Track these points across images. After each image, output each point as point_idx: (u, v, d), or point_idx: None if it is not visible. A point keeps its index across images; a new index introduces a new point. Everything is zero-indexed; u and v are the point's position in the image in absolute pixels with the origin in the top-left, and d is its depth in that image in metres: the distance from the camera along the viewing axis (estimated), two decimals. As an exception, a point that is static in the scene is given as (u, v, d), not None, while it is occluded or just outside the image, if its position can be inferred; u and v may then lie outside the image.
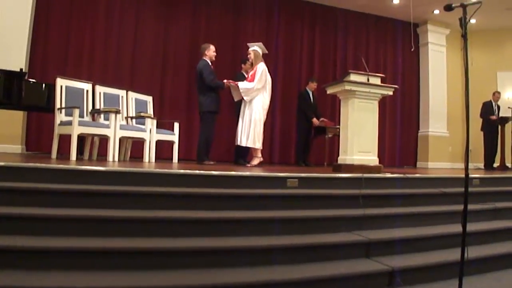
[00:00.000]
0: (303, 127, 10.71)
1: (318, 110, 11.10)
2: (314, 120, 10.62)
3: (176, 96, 11.64)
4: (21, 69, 8.39)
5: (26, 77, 7.86)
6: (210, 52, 8.69)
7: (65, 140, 7.48)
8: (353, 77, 6.80)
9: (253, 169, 6.57)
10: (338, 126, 8.76)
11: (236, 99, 8.72)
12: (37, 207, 4.00)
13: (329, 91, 7.30)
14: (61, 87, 7.50)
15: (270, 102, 10.46)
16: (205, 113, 8.47)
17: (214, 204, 4.49)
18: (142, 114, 8.27)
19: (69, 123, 7.05)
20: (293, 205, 4.78)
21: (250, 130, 8.29)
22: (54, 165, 4.68)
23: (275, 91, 12.16)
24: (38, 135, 10.67)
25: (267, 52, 8.93)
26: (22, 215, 3.77)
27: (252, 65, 8.71)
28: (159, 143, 8.28)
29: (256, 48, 8.71)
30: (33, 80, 7.99)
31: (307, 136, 10.79)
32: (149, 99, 9.03)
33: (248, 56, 8.76)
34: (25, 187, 4.16)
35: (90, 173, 4.67)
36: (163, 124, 8.83)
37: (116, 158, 7.40)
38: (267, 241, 4.00)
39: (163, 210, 4.24)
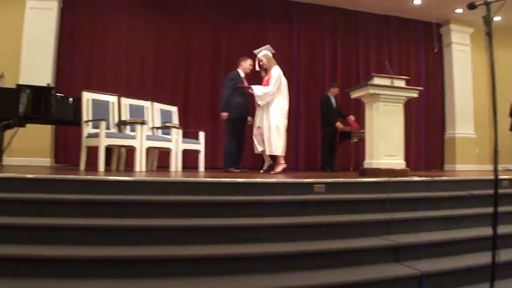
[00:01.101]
0: (328, 133, 10.71)
1: (342, 111, 11.13)
2: (338, 124, 10.63)
3: (200, 105, 11.71)
4: (48, 84, 8.51)
5: (53, 92, 7.96)
6: (246, 64, 8.89)
7: (92, 152, 7.56)
8: (377, 80, 6.75)
9: (279, 176, 6.56)
10: (363, 131, 8.72)
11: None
12: (66, 217, 4.06)
13: (353, 95, 7.26)
14: (87, 100, 7.61)
15: (294, 107, 10.48)
16: (226, 121, 8.57)
17: (240, 211, 4.52)
18: (167, 124, 8.34)
19: (96, 135, 7.14)
20: (320, 210, 4.77)
21: (272, 137, 8.04)
22: (83, 176, 4.75)
23: (299, 98, 12.21)
24: (66, 147, 10.85)
25: (274, 51, 8.76)
26: (51, 226, 3.85)
27: (266, 71, 8.45)
28: (185, 152, 8.32)
29: (266, 52, 8.49)
30: (60, 95, 8.08)
31: (332, 142, 10.76)
32: (173, 109, 9.09)
33: (261, 63, 8.47)
34: (54, 198, 4.23)
35: (118, 183, 4.74)
36: (189, 134, 8.88)
37: (144, 169, 7.46)
38: (295, 247, 4.00)
39: (190, 218, 4.27)
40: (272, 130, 8.05)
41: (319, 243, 4.14)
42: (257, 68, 8.59)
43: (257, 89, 8.20)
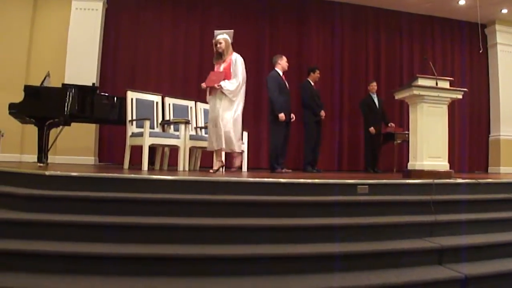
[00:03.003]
0: (369, 133, 10.61)
1: (386, 114, 11.01)
2: (371, 129, 10.54)
3: (244, 105, 11.74)
4: (93, 84, 8.69)
5: (98, 91, 8.08)
6: (283, 62, 8.80)
7: (136, 150, 7.65)
8: (421, 81, 6.69)
9: (323, 176, 6.50)
10: (406, 132, 8.65)
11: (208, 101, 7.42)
12: (109, 215, 4.16)
13: (397, 96, 7.19)
14: (132, 99, 7.71)
15: (337, 107, 10.47)
16: (271, 121, 8.60)
17: (283, 211, 4.52)
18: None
19: (140, 134, 7.22)
20: (363, 212, 4.75)
21: (232, 131, 7.03)
22: (126, 175, 4.86)
23: (342, 97, 12.24)
24: (110, 146, 11.01)
25: (232, 41, 7.76)
26: (94, 223, 3.97)
27: (221, 55, 7.28)
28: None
29: (226, 37, 7.33)
30: (105, 94, 8.21)
31: (375, 142, 10.66)
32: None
33: (219, 45, 7.23)
34: (99, 196, 4.34)
35: (161, 182, 4.81)
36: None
37: (187, 168, 7.52)
38: (337, 248, 4.00)
39: (233, 218, 4.31)
40: (227, 124, 7.03)
41: (362, 245, 4.13)
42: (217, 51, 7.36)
43: (228, 85, 7.03)
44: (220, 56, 7.31)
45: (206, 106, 8.76)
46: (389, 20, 13.02)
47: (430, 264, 4.15)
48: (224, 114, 7.01)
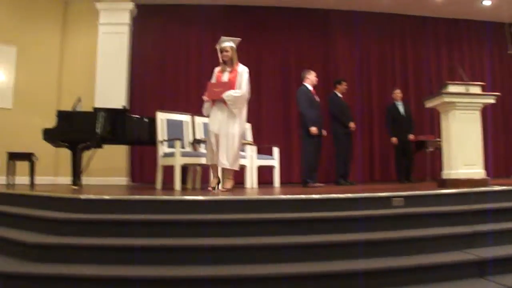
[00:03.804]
0: (399, 143, 10.46)
1: (412, 123, 10.78)
2: (393, 139, 10.41)
3: (273, 121, 11.78)
4: (123, 106, 8.78)
5: (128, 113, 8.17)
6: (311, 76, 8.80)
7: (168, 170, 7.69)
8: (451, 88, 6.59)
9: (356, 190, 6.41)
10: (438, 139, 8.55)
11: (206, 113, 7.06)
12: (142, 237, 4.20)
13: (428, 104, 7.10)
14: (162, 120, 7.76)
15: (367, 117, 10.39)
16: (303, 136, 8.59)
17: (317, 228, 4.48)
18: (242, 141, 8.39)
19: (172, 154, 7.27)
20: (399, 224, 4.68)
21: (231, 148, 6.68)
22: (158, 197, 4.89)
23: (371, 107, 12.17)
24: (142, 166, 11.15)
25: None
26: (129, 246, 3.98)
27: (225, 63, 6.93)
28: (259, 167, 8.37)
29: (233, 44, 6.96)
30: (136, 116, 8.29)
31: (406, 151, 10.50)
32: (247, 126, 9.15)
33: (226, 53, 6.87)
34: (132, 219, 4.41)
35: (194, 203, 4.83)
36: (262, 149, 8.93)
37: (219, 186, 7.53)
38: (375, 263, 3.95)
39: (268, 236, 4.29)
40: (235, 139, 6.74)
41: (398, 259, 4.08)
42: (221, 60, 7.01)
43: (233, 95, 6.70)
44: (225, 64, 6.96)
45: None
46: (414, 27, 12.92)
47: (471, 277, 4.06)
48: (234, 130, 6.72)
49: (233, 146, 6.70)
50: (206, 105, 6.94)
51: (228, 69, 6.90)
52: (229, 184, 6.79)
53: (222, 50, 6.90)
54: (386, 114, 10.77)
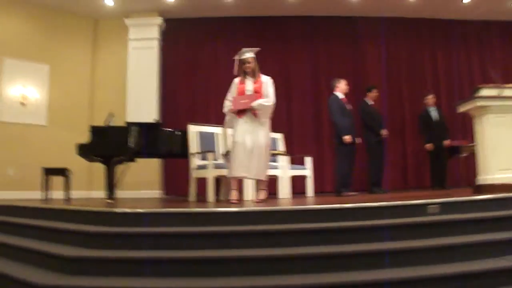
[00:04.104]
0: (432, 149, 10.36)
1: (446, 128, 10.66)
2: (427, 146, 10.29)
3: (305, 130, 11.76)
4: (155, 120, 8.88)
5: (160, 127, 8.23)
6: (342, 85, 8.80)
7: (201, 182, 7.74)
8: (485, 91, 6.46)
9: (391, 198, 6.35)
10: (472, 144, 8.43)
11: (228, 126, 7.05)
12: (178, 249, 4.22)
13: (460, 109, 6.98)
14: (194, 133, 7.82)
15: (399, 123, 10.31)
16: (336, 145, 8.56)
17: (351, 237, 4.44)
18: (274, 152, 8.39)
19: (205, 166, 7.33)
20: (435, 232, 4.60)
21: (262, 159, 6.61)
22: (191, 209, 4.89)
23: (404, 113, 12.04)
24: (174, 179, 11.21)
25: None
26: (164, 258, 4.02)
27: (247, 74, 6.83)
28: (292, 178, 8.35)
29: (254, 55, 6.87)
30: (168, 129, 8.34)
31: (441, 157, 10.37)
32: (279, 136, 9.16)
33: (249, 65, 6.78)
34: (167, 231, 4.45)
35: (229, 214, 4.81)
36: (294, 159, 8.91)
37: (253, 197, 7.53)
38: (411, 272, 3.89)
39: (300, 247, 4.26)
40: (266, 149, 6.73)
41: (435, 267, 4.01)
42: (235, 72, 6.96)
43: (263, 104, 6.64)
44: (246, 75, 6.85)
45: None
46: (443, 30, 12.77)
47: (510, 285, 3.96)
48: (265, 140, 6.67)
49: (266, 156, 6.69)
50: (228, 117, 6.85)
51: (251, 79, 6.82)
52: (263, 195, 6.77)
53: (244, 61, 6.80)
54: (419, 120, 10.66)
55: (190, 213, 4.81)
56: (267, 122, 6.76)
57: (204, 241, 4.32)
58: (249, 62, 6.78)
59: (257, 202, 6.63)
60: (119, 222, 4.67)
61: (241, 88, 6.79)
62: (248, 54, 6.81)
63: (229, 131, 7.68)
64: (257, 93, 6.67)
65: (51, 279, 3.83)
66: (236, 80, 6.92)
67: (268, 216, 4.77)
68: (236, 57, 6.92)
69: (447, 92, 12.26)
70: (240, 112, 6.65)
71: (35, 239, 4.99)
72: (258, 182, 6.85)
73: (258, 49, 6.94)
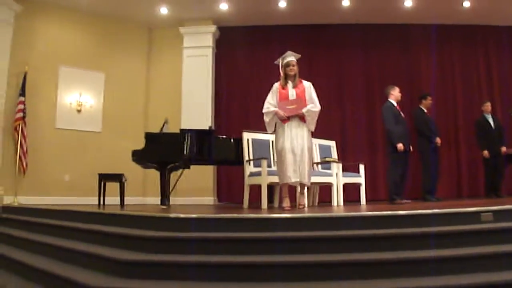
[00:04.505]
0: (488, 156, 10.12)
1: (503, 136, 10.37)
2: (485, 152, 10.02)
3: (358, 138, 11.72)
4: (209, 127, 8.99)
5: (214, 134, 8.31)
6: (396, 92, 8.67)
7: (254, 189, 7.79)
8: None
9: (444, 205, 6.27)
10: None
11: (270, 130, 6.87)
12: (232, 254, 4.25)
13: (515, 115, 6.87)
14: (248, 140, 7.85)
15: (453, 130, 10.19)
16: (389, 152, 8.50)
17: (403, 244, 4.40)
18: (327, 159, 8.41)
19: (259, 173, 7.34)
20: (488, 239, 4.51)
21: (308, 164, 6.56)
22: (245, 215, 4.98)
23: (457, 120, 11.86)
24: (228, 186, 11.31)
25: None
26: (219, 263, 4.04)
27: (288, 78, 6.76)
28: (345, 185, 8.33)
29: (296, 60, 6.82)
30: (222, 136, 8.43)
31: (497, 165, 10.14)
32: (332, 143, 9.17)
33: (292, 67, 6.72)
34: (219, 236, 4.49)
35: (284, 220, 4.82)
36: (347, 167, 8.89)
37: (306, 204, 7.54)
38: (466, 279, 3.84)
39: (347, 254, 4.25)
40: (312, 155, 6.91)
41: (487, 275, 3.95)
42: (283, 74, 6.84)
43: (312, 110, 6.67)
44: (287, 79, 6.77)
45: (321, 142, 8.84)
46: (497, 37, 12.52)
47: None
48: (311, 146, 6.73)
49: (311, 162, 6.77)
50: (271, 122, 6.72)
51: (292, 84, 6.75)
52: (304, 200, 6.97)
53: (289, 64, 6.74)
54: (476, 126, 10.44)
55: (240, 219, 4.88)
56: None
57: (252, 246, 4.37)
58: (293, 65, 6.73)
59: (301, 207, 6.67)
60: (173, 227, 4.74)
61: (283, 93, 6.72)
62: (292, 58, 6.79)
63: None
64: (303, 98, 6.64)
65: (106, 282, 3.93)
66: (277, 85, 6.86)
67: (317, 222, 4.78)
68: (278, 61, 6.92)
69: (502, 99, 12.00)
70: (287, 117, 6.61)
71: (90, 243, 5.11)
72: (302, 188, 6.87)
73: (299, 55, 6.89)
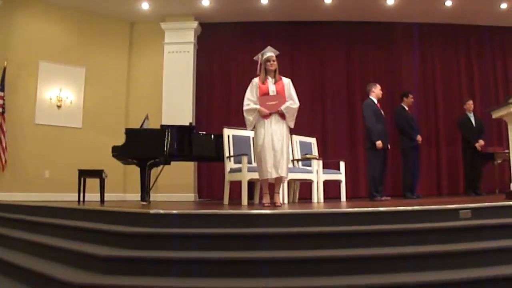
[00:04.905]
0: (468, 154, 10.31)
1: (483, 134, 10.51)
2: (477, 144, 10.14)
3: (338, 135, 11.77)
4: (190, 123, 8.99)
5: (195, 130, 8.30)
6: (377, 90, 8.75)
7: (235, 185, 7.78)
8: (519, 97, 6.43)
9: (423, 202, 6.31)
10: (507, 151, 8.36)
11: (250, 128, 6.83)
12: (210, 250, 4.26)
13: (494, 115, 6.91)
14: (228, 136, 7.84)
15: (433, 129, 10.27)
16: (368, 150, 8.55)
17: (383, 240, 4.43)
18: (307, 156, 8.42)
19: (239, 170, 7.33)
20: (466, 237, 4.58)
21: (286, 160, 6.50)
22: (225, 211, 4.94)
23: (437, 119, 11.97)
24: (208, 182, 11.31)
25: None
26: (197, 259, 4.07)
27: (268, 74, 6.66)
28: (325, 182, 8.35)
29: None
30: (202, 132, 8.43)
31: (475, 163, 10.28)
32: (312, 140, 9.18)
33: (273, 62, 6.64)
34: (199, 232, 4.45)
35: (263, 216, 4.86)
36: (328, 164, 8.91)
37: (286, 201, 7.55)
38: (445, 275, 3.88)
39: (327, 250, 4.27)
40: (289, 151, 6.94)
41: (465, 271, 3.99)
42: (259, 71, 6.77)
43: (291, 107, 6.61)
44: (267, 75, 6.67)
45: (302, 139, 8.84)
46: (479, 36, 12.69)
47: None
48: (289, 142, 6.75)
49: (289, 158, 6.81)
50: (251, 119, 6.58)
51: (272, 80, 6.68)
52: (280, 198, 6.83)
53: (269, 59, 6.65)
54: (460, 124, 10.58)
55: (221, 215, 4.83)
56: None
57: (232, 242, 4.38)
58: (273, 60, 6.66)
59: (277, 205, 6.43)
60: (152, 223, 4.73)
61: (263, 88, 6.63)
62: (271, 53, 6.71)
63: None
64: (280, 94, 6.59)
65: (86, 278, 3.92)
66: (256, 80, 6.75)
67: (297, 218, 4.79)
68: (258, 57, 6.84)
69: (482, 99, 12.11)
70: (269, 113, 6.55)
71: (70, 239, 5.09)
72: (276, 185, 6.73)
73: (278, 52, 6.82)
